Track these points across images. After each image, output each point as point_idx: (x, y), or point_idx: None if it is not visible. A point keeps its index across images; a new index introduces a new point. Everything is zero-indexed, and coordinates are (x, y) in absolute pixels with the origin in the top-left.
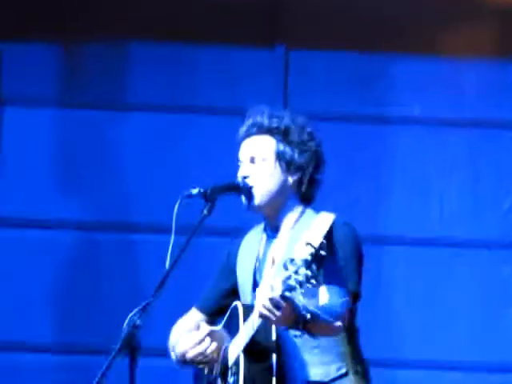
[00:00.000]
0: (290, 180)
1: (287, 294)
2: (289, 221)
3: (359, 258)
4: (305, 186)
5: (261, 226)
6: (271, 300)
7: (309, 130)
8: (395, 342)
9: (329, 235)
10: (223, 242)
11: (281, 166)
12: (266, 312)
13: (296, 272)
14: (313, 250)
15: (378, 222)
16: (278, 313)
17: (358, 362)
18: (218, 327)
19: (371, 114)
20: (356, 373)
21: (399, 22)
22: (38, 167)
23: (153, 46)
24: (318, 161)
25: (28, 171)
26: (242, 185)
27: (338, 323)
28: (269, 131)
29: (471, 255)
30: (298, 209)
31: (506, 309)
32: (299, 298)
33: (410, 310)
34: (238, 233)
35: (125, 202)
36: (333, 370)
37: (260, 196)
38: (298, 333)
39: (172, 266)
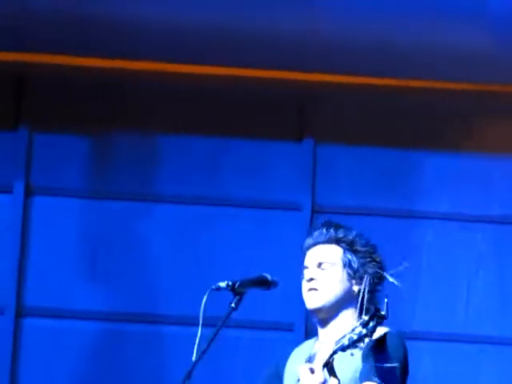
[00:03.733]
0: (355, 288)
1: (335, 355)
2: (344, 327)
3: (407, 366)
4: (368, 296)
5: (312, 340)
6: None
7: (372, 243)
8: None
9: (382, 341)
10: (250, 334)
11: (348, 273)
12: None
13: (352, 331)
14: (373, 311)
15: (404, 316)
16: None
17: None
18: None
19: (398, 208)
20: None
21: (427, 117)
22: (66, 257)
23: (182, 138)
24: (379, 273)
25: (56, 261)
26: (270, 278)
27: None
28: (336, 241)
29: (497, 352)
30: (355, 317)
31: None
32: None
33: None
34: (265, 326)
35: (152, 294)
36: None
37: (324, 299)
38: None
39: (199, 358)
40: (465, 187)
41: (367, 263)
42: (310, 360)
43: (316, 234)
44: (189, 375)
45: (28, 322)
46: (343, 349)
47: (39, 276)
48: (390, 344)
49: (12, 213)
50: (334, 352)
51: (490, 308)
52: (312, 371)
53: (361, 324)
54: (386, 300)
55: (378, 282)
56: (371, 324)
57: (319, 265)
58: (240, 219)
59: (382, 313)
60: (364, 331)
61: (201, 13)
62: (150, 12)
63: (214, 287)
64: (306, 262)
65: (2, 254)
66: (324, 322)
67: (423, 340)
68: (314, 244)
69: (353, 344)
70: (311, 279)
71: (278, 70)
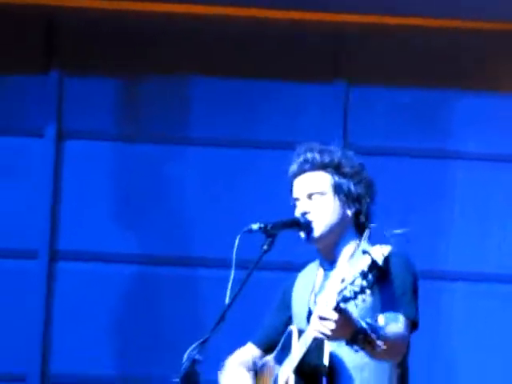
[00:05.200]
0: (349, 212)
1: (342, 305)
2: (345, 254)
3: (416, 288)
4: (363, 217)
5: (316, 262)
6: (323, 314)
7: (359, 161)
8: (455, 379)
9: (385, 265)
10: (282, 276)
11: (339, 198)
12: (320, 327)
13: (352, 283)
14: (370, 262)
15: (439, 257)
16: (332, 326)
17: None
18: (270, 356)
19: (430, 148)
20: None
21: (460, 57)
22: (99, 200)
23: (213, 80)
24: (372, 191)
25: (88, 204)
26: (302, 220)
27: (399, 342)
28: (322, 166)
29: None
30: (355, 242)
31: None
32: (355, 311)
33: (469, 347)
34: (295, 267)
35: (185, 237)
36: None
37: (320, 230)
38: (356, 347)
39: (232, 300)
40: (498, 127)
41: (357, 184)
42: (315, 295)
43: (300, 160)
44: (222, 317)
45: (62, 265)
46: (346, 300)
47: (72, 220)
48: (397, 269)
49: (44, 157)
50: (337, 304)
51: None
52: (321, 318)
53: (360, 275)
54: (385, 254)
55: (369, 201)
56: (370, 276)
57: (309, 196)
58: (272, 162)
59: (380, 263)
60: (364, 283)
61: None
62: None
63: (246, 229)
64: (296, 193)
65: (34, 199)
66: (324, 252)
67: (456, 280)
68: (300, 172)
69: (355, 296)
70: (305, 213)
71: (312, 11)
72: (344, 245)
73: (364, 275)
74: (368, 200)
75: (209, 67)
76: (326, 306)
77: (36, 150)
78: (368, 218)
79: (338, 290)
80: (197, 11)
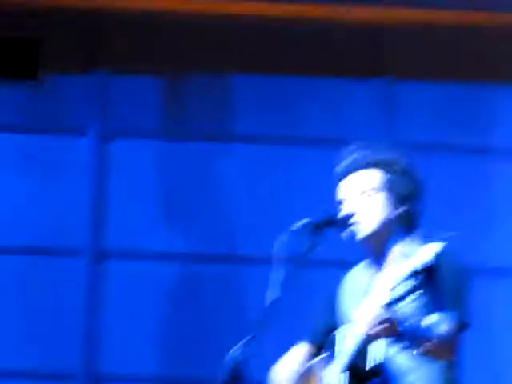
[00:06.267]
0: (398, 211)
1: (393, 306)
2: (394, 253)
3: (466, 288)
4: (412, 215)
5: (365, 262)
6: (373, 314)
7: (408, 160)
8: (498, 374)
9: (436, 263)
10: (329, 274)
11: (391, 196)
12: (369, 326)
13: (404, 282)
14: (421, 261)
15: (483, 253)
16: (381, 325)
17: None
18: (317, 359)
19: (476, 144)
20: None
21: (504, 51)
22: (144, 199)
23: (257, 78)
24: (421, 190)
25: (134, 203)
26: (348, 218)
27: (445, 344)
28: (375, 164)
29: None
30: (403, 241)
31: None
32: (405, 311)
33: None
34: (343, 265)
35: (230, 235)
36: None
37: (370, 228)
38: (403, 345)
39: (277, 299)
40: None
41: (407, 183)
42: (365, 295)
43: (350, 159)
44: (269, 316)
45: (107, 264)
46: (397, 300)
47: (118, 219)
48: (446, 269)
49: (89, 155)
50: (389, 303)
51: None
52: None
53: (412, 274)
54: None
55: (418, 201)
56: (421, 276)
57: (362, 192)
58: (317, 158)
59: (431, 263)
60: (416, 282)
61: None
62: None
63: (292, 227)
64: (343, 193)
65: (79, 198)
66: (373, 251)
67: (499, 277)
68: (352, 170)
69: (406, 295)
70: (351, 215)
71: (357, 5)
72: (393, 244)
73: (415, 275)
74: (417, 199)
75: (251, 65)
76: (376, 306)
77: (81, 149)
78: (416, 218)
79: (390, 287)
80: (236, 10)
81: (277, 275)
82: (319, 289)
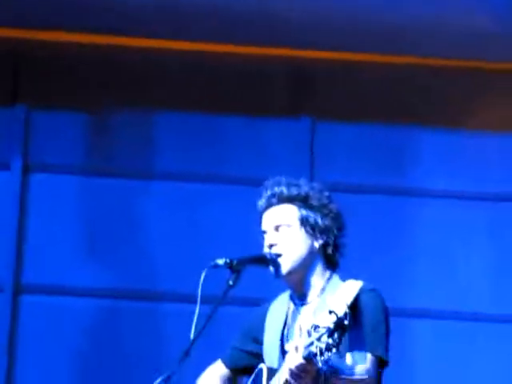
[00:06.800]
0: (316, 245)
1: (311, 359)
2: (316, 288)
3: (387, 325)
4: (331, 249)
5: (286, 294)
6: (298, 365)
7: (327, 194)
8: None
9: (355, 302)
10: (248, 311)
11: (306, 231)
12: (293, 377)
13: (318, 339)
14: (336, 319)
15: (402, 294)
16: (304, 376)
17: None
18: None
19: (395, 185)
20: None
21: (425, 95)
22: (64, 234)
23: (180, 115)
24: (340, 223)
25: (54, 238)
26: (269, 256)
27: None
28: (289, 199)
29: (494, 330)
30: (325, 275)
31: None
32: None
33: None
34: (260, 303)
35: (150, 271)
36: None
37: (289, 264)
38: None
39: (197, 335)
40: (461, 165)
41: (325, 216)
42: (287, 330)
43: (268, 194)
44: (187, 353)
45: (26, 299)
46: (315, 355)
47: (37, 253)
48: (367, 307)
49: (10, 190)
50: (305, 358)
51: (487, 285)
52: (296, 349)
53: (327, 332)
54: (346, 310)
55: (338, 233)
56: (336, 335)
57: (276, 228)
58: (239, 196)
59: (346, 322)
60: (330, 341)
61: None
62: None
63: (212, 264)
64: (264, 227)
65: (1, 231)
66: (294, 285)
67: (421, 317)
68: (268, 206)
69: (321, 353)
70: (271, 245)
71: (276, 47)
72: (314, 279)
73: (330, 333)
74: (336, 232)
75: (176, 101)
76: (294, 357)
77: (2, 183)
78: (337, 250)
79: (306, 343)
80: (161, 45)
81: (197, 312)
82: (236, 326)
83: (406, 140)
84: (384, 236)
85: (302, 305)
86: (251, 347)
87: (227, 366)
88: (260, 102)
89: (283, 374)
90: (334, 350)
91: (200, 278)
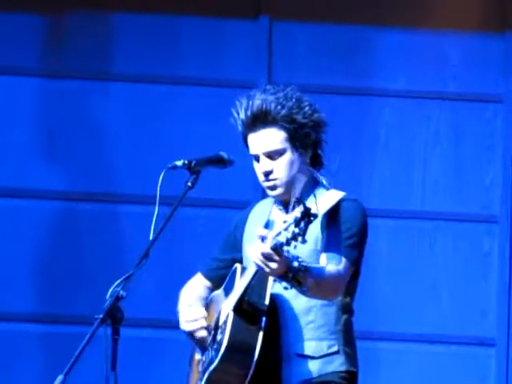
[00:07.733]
0: (307, 159)
1: (280, 249)
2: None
3: (364, 234)
4: (319, 157)
5: (270, 199)
6: (263, 253)
7: (306, 102)
8: (377, 315)
9: (336, 208)
10: (205, 213)
11: (297, 151)
12: (260, 263)
13: (286, 229)
14: (303, 208)
15: (361, 194)
16: (272, 265)
17: (350, 343)
18: (219, 291)
19: (354, 86)
20: (346, 353)
21: None
22: (22, 136)
23: (137, 16)
24: (323, 127)
25: (11, 141)
26: (226, 157)
27: (333, 282)
28: (274, 123)
29: (453, 228)
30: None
31: (486, 282)
32: (300, 251)
33: (393, 283)
34: (219, 204)
35: (109, 173)
36: (324, 347)
37: (284, 186)
38: (285, 284)
39: (156, 236)
40: (421, 64)
41: (311, 130)
42: (267, 226)
43: (250, 113)
44: (146, 254)
45: None
46: (282, 245)
47: None
48: (347, 214)
49: None
50: (273, 249)
51: (446, 185)
52: (262, 239)
53: (294, 221)
54: (315, 197)
55: (321, 130)
56: (302, 224)
57: (269, 156)
58: (196, 97)
59: (313, 211)
60: (296, 230)
61: None
62: None
63: (170, 166)
64: (254, 151)
65: None
66: (282, 198)
67: (380, 217)
68: (253, 128)
69: (287, 242)
70: (267, 173)
71: None
72: (302, 189)
73: (297, 222)
74: (322, 142)
75: (134, 2)
76: (263, 245)
77: None
78: (321, 153)
79: (274, 233)
80: None
81: (156, 213)
82: (195, 227)
83: (366, 40)
84: (344, 136)
85: (287, 212)
86: (231, 255)
87: (207, 276)
88: (218, 2)
89: (252, 266)
90: (299, 238)
91: (159, 179)
